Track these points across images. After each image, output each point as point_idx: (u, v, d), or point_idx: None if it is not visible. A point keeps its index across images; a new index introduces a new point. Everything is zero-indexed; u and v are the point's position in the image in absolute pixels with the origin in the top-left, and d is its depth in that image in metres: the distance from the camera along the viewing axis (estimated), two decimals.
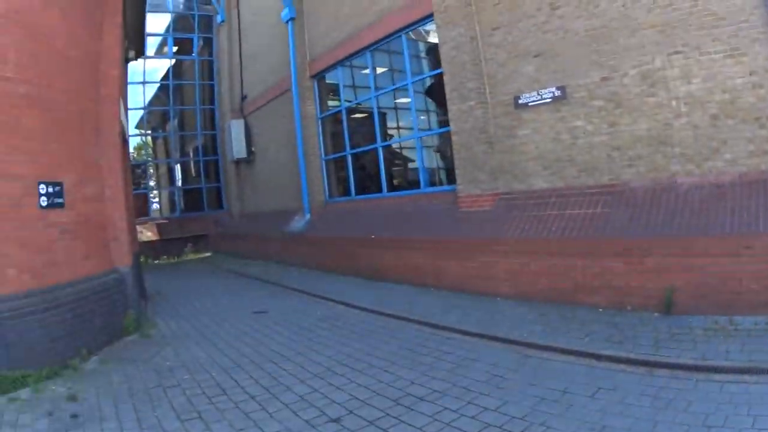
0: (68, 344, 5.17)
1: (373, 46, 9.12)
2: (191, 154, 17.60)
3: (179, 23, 16.93)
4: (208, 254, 14.98)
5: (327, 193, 10.88)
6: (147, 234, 13.94)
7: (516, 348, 4.53)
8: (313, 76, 11.00)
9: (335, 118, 10.86)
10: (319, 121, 10.99)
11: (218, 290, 9.10)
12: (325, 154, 10.88)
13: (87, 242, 5.89)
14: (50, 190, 5.28)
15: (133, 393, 4.16)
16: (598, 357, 4.03)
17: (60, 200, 5.38)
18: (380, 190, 9.35)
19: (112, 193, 6.50)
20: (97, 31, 6.66)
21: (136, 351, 5.49)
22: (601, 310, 5.18)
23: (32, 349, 4.81)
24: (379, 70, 9.73)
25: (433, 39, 8.03)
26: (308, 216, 10.90)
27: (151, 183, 17.67)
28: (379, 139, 9.43)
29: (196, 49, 17.04)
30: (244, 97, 14.30)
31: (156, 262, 13.87)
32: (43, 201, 5.22)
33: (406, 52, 8.52)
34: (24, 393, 4.20)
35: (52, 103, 5.60)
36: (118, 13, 7.04)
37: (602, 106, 5.77)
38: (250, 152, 13.86)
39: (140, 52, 10.59)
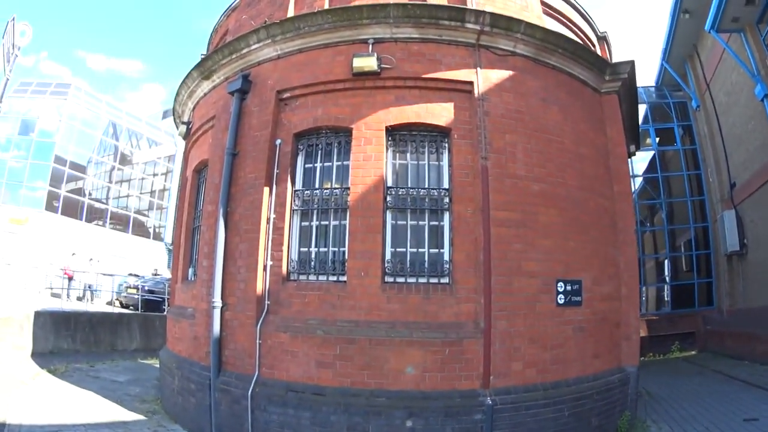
0: None
1: None
2: (682, 248, 17.04)
3: (656, 113, 16.84)
4: (693, 353, 14.52)
5: None
6: None
7: None
8: None
9: None
10: None
11: (705, 392, 8.59)
12: None
13: (599, 341, 5.78)
14: (568, 288, 5.35)
15: None
16: None
17: (578, 298, 5.39)
18: None
19: (628, 291, 6.28)
20: (600, 128, 6.65)
21: None
22: None
23: None
24: None
25: None
26: None
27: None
28: None
29: (678, 138, 16.61)
30: (732, 185, 13.42)
31: (642, 359, 13.75)
32: (561, 299, 5.32)
33: None
34: None
35: (568, 201, 5.69)
36: (616, 107, 6.92)
37: None
38: (742, 245, 12.80)
39: (638, 146, 10.60)
